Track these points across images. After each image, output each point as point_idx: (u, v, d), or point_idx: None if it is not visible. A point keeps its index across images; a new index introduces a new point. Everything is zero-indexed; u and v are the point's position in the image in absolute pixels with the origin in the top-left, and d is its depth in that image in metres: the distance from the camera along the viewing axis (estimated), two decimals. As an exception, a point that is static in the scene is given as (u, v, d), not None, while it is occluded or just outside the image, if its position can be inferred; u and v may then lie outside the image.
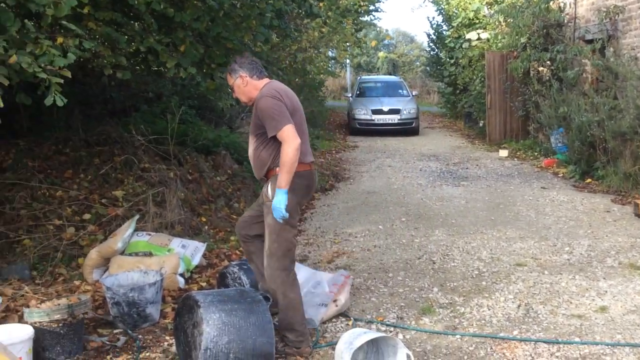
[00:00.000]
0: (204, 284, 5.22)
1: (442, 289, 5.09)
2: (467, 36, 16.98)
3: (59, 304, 3.97)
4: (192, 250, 5.47)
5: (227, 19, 5.73)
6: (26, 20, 3.99)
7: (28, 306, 4.18)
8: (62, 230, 5.67)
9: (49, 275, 5.17)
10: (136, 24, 5.92)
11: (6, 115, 3.63)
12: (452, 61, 18.67)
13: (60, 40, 4.04)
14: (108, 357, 3.89)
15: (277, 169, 3.83)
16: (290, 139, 3.69)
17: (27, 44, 3.86)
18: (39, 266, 5.30)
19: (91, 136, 7.52)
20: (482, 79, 15.25)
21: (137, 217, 5.61)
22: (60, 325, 3.79)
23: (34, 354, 3.71)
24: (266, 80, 3.98)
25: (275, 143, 3.83)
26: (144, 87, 10.12)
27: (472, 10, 17.59)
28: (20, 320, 4.08)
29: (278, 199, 3.73)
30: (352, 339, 3.53)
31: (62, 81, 3.89)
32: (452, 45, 18.48)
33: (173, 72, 5.36)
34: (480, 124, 16.18)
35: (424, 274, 5.46)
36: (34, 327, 3.72)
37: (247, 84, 3.96)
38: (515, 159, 12.46)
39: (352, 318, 4.47)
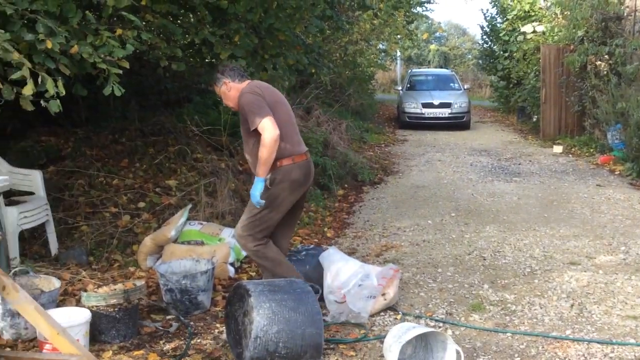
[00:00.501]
0: (253, 274, 5.28)
1: (492, 285, 5.02)
2: (523, 29, 16.63)
3: (115, 289, 4.08)
4: (243, 240, 5.53)
5: (280, 10, 5.76)
6: (87, 12, 4.09)
7: (85, 290, 4.31)
8: (117, 218, 5.83)
9: (105, 261, 5.32)
10: (191, 16, 6.01)
11: (65, 105, 3.77)
12: (506, 54, 18.32)
13: (119, 31, 4.15)
14: (161, 342, 3.98)
15: (279, 161, 4.00)
16: (268, 129, 3.81)
17: (88, 35, 3.97)
18: (96, 252, 5.46)
19: (146, 126, 7.69)
20: (537, 73, 14.93)
21: (189, 206, 5.71)
22: (117, 309, 3.90)
23: (90, 336, 3.84)
24: (248, 81, 4.15)
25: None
26: (197, 78, 10.26)
27: (528, 2, 17.22)
28: (78, 303, 4.22)
29: (256, 187, 3.93)
30: (401, 332, 3.52)
31: (120, 72, 4.00)
32: (506, 38, 18.14)
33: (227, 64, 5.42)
34: (534, 119, 15.84)
35: (474, 270, 5.40)
36: (91, 311, 3.84)
37: (230, 89, 4.10)
38: (570, 155, 12.16)
39: (400, 312, 4.46)
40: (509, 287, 4.97)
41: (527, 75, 16.39)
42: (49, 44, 3.58)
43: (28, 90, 3.49)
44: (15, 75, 3.50)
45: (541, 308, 4.53)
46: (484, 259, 5.70)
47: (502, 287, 4.99)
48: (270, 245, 4.20)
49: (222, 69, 4.17)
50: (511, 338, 4.05)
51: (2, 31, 3.38)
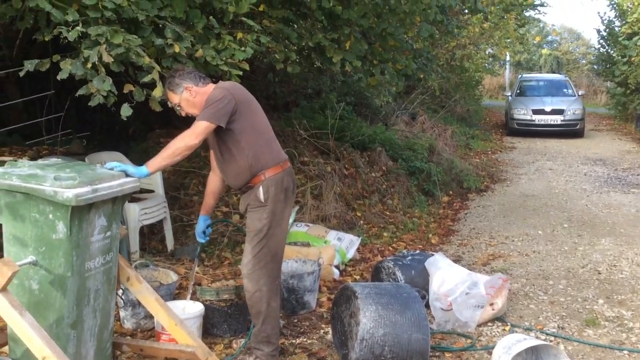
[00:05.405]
0: (357, 277, 5.31)
1: (608, 301, 4.78)
2: (644, 32, 15.71)
3: (227, 285, 4.25)
4: (347, 243, 5.59)
5: (392, 15, 5.77)
6: (211, 17, 4.30)
7: (199, 285, 4.50)
8: (228, 217, 6.04)
9: (216, 258, 5.53)
10: (301, 22, 6.14)
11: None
12: (625, 59, 17.37)
13: (239, 35, 4.32)
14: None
15: (267, 171, 3.48)
16: (195, 134, 3.26)
17: (211, 39, 4.17)
18: (208, 249, 5.67)
19: (256, 129, 7.91)
20: (659, 79, 14.06)
21: (297, 208, 5.83)
22: (228, 304, 4.05)
23: (203, 329, 4.01)
24: (212, 84, 3.54)
25: (248, 147, 3.44)
26: (304, 83, 10.48)
27: (651, 4, 16.26)
28: (192, 297, 4.41)
29: (135, 170, 3.37)
30: (510, 344, 3.43)
31: (241, 73, 4.17)
32: (625, 43, 17.20)
33: (339, 67, 5.50)
34: (655, 128, 14.94)
35: (588, 284, 5.16)
36: (205, 305, 4.01)
37: (195, 95, 3.45)
38: (695, 166, 11.35)
39: (509, 323, 4.33)
40: (625, 303, 4.72)
41: (648, 81, 15.49)
42: (177, 48, 3.78)
43: (158, 92, 3.70)
44: (146, 78, 3.72)
45: (662, 327, 4.27)
46: (599, 273, 5.43)
47: (619, 302, 4.74)
48: (279, 294, 3.67)
49: (180, 73, 3.47)
50: (628, 356, 3.85)
51: (135, 36, 3.61)
